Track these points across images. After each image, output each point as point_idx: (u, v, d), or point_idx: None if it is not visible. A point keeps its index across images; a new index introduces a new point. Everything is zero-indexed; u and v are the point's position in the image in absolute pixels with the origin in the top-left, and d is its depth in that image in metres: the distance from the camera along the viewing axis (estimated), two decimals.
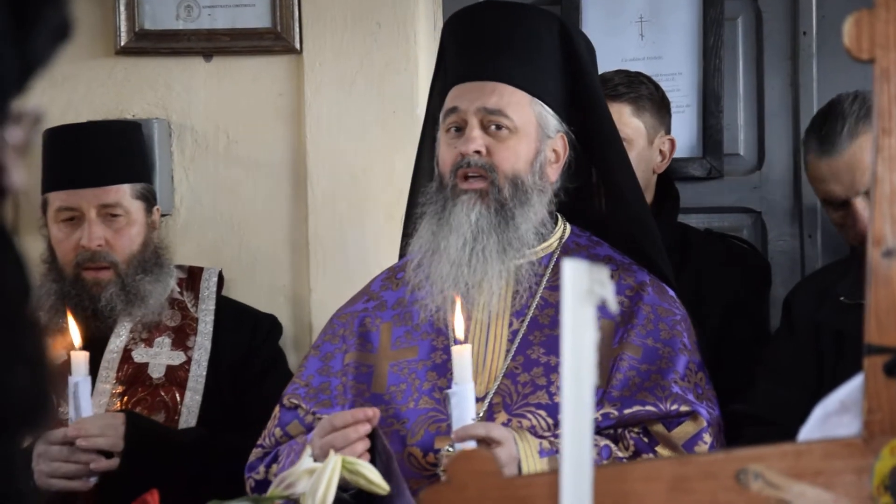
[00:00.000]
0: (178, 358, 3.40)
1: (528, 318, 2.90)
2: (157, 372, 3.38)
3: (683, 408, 2.81)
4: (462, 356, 2.63)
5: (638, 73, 3.55)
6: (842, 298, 3.06)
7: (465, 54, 2.95)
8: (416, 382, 2.87)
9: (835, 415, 1.64)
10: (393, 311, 2.97)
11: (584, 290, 1.43)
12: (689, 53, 3.91)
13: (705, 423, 2.83)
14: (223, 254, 3.90)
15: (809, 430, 1.66)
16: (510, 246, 2.87)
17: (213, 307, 3.48)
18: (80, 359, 3.12)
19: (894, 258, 1.57)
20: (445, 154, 2.90)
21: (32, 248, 3.48)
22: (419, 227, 2.94)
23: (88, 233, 3.34)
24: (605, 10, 3.96)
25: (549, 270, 2.94)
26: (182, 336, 3.43)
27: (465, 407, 2.61)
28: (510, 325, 2.90)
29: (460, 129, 2.88)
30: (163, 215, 3.89)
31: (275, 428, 2.95)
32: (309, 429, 2.90)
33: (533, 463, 2.66)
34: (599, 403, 2.79)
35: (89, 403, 3.11)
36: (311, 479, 2.35)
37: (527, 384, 2.83)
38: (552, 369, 2.82)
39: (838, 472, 1.56)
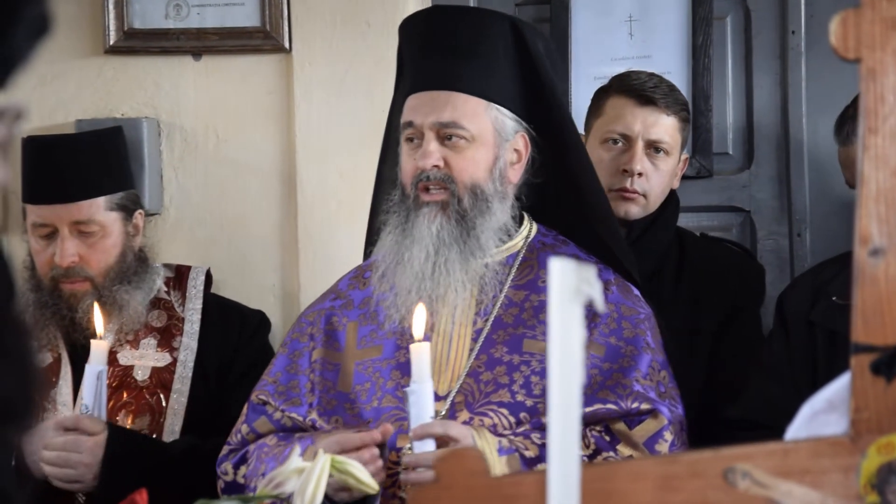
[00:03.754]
0: (163, 359, 3.38)
1: (492, 318, 2.90)
2: (141, 374, 3.36)
3: (644, 406, 2.83)
4: (420, 354, 2.64)
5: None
6: (834, 298, 3.06)
7: (418, 62, 2.95)
8: (379, 381, 2.88)
9: (822, 413, 1.64)
10: (359, 311, 2.98)
11: (572, 288, 1.43)
12: (679, 53, 3.92)
13: (666, 421, 2.85)
14: (213, 253, 3.90)
15: (796, 429, 1.66)
16: (472, 255, 2.87)
17: (199, 306, 3.46)
18: (102, 348, 3.11)
19: (881, 257, 1.57)
20: (406, 165, 2.91)
21: (20, 248, 3.47)
22: (383, 236, 2.94)
23: (61, 251, 3.31)
24: (595, 9, 3.96)
25: (513, 270, 2.95)
26: (168, 337, 3.41)
27: (423, 405, 2.63)
28: (474, 323, 2.90)
29: (418, 140, 2.89)
30: (152, 214, 3.88)
31: (242, 425, 2.97)
32: (279, 427, 2.92)
33: (492, 459, 2.67)
34: None
35: (105, 393, 3.12)
36: (301, 479, 2.35)
37: (489, 382, 2.84)
38: (515, 368, 2.84)
39: (825, 471, 1.57)
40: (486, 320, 2.90)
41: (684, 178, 3.84)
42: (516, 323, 2.88)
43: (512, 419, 2.79)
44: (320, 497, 2.33)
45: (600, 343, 2.86)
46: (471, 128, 2.86)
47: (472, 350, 2.88)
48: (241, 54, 3.92)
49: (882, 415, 1.57)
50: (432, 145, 2.86)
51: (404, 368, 2.84)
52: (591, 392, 2.79)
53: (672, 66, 3.90)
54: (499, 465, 2.68)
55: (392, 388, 2.85)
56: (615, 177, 3.43)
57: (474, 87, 2.89)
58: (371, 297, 2.97)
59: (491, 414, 2.80)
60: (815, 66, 3.85)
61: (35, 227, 3.35)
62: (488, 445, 2.70)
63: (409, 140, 2.90)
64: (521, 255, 2.96)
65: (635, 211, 3.44)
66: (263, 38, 3.89)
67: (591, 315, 2.88)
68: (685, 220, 3.82)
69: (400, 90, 3.05)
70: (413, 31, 2.99)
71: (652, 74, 3.51)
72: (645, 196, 3.43)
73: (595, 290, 1.44)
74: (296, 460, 2.38)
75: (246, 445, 2.94)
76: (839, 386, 1.62)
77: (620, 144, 3.44)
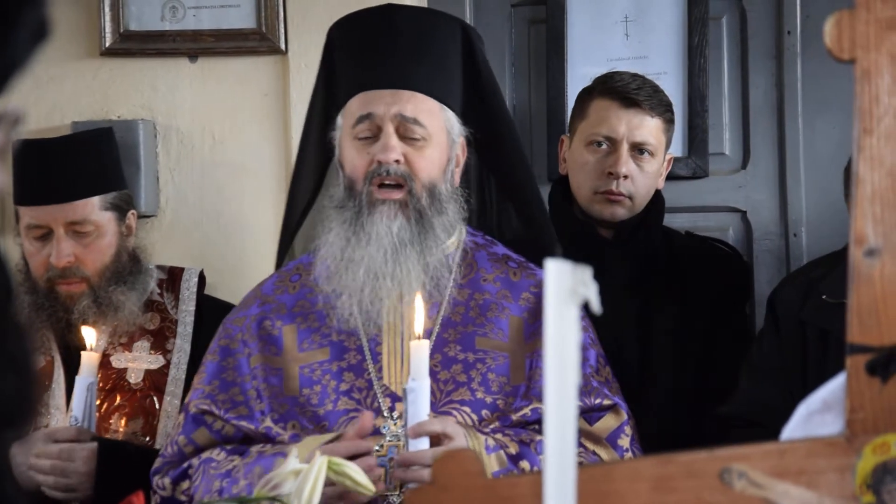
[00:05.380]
0: (156, 362, 3.38)
1: (440, 317, 2.88)
2: (135, 377, 3.36)
3: (606, 402, 2.86)
4: (419, 352, 2.62)
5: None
6: (824, 297, 3.07)
7: (373, 61, 2.88)
8: (331, 384, 2.82)
9: (818, 413, 1.64)
10: (294, 314, 2.90)
11: (568, 289, 1.43)
12: (674, 53, 3.92)
13: (626, 416, 2.87)
14: (209, 254, 3.90)
15: (792, 429, 1.66)
16: (430, 254, 2.84)
17: (192, 308, 3.45)
18: (93, 360, 3.11)
19: (876, 257, 1.57)
20: (356, 160, 2.84)
21: (13, 252, 3.46)
22: (325, 235, 2.88)
23: (56, 251, 3.30)
24: (591, 9, 3.96)
25: (453, 269, 2.92)
26: (161, 339, 3.40)
27: (421, 403, 2.60)
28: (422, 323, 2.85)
29: (373, 135, 2.83)
30: (148, 216, 3.88)
31: (178, 436, 2.86)
32: (221, 438, 2.83)
33: (483, 460, 2.67)
34: (527, 399, 2.80)
35: (94, 406, 3.12)
36: (297, 480, 2.35)
37: (448, 381, 2.82)
38: (471, 366, 2.82)
39: (821, 471, 1.57)
40: (435, 320, 2.87)
41: (680, 178, 3.85)
42: (465, 321, 2.86)
43: (475, 417, 2.78)
44: (317, 499, 2.33)
45: None
46: (429, 126, 2.83)
47: None
48: (237, 56, 3.92)
49: (877, 415, 1.57)
50: (394, 140, 2.80)
51: (357, 370, 2.82)
52: None
53: (668, 67, 3.90)
54: (489, 464, 2.68)
55: (347, 391, 2.81)
56: (600, 179, 3.43)
57: (430, 88, 2.86)
58: (304, 300, 2.90)
59: (455, 413, 2.78)
60: (810, 67, 3.85)
61: (29, 229, 3.34)
62: (478, 444, 2.69)
63: (361, 136, 2.83)
64: (458, 254, 2.94)
65: (621, 213, 3.45)
66: (259, 40, 3.89)
67: (535, 313, 2.89)
68: (681, 221, 3.82)
69: (322, 93, 3.00)
70: (363, 28, 2.93)
71: (635, 75, 3.51)
72: (630, 198, 3.44)
73: (591, 291, 1.44)
74: (292, 462, 2.38)
75: (184, 458, 2.85)
76: (835, 386, 1.63)
77: (605, 147, 3.44)
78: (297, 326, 2.88)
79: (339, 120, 2.90)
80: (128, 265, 3.40)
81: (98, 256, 3.35)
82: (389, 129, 2.81)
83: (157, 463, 2.87)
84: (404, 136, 2.82)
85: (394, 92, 2.84)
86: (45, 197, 3.33)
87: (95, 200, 3.36)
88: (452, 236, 2.92)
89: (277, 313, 2.90)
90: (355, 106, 2.86)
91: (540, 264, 2.98)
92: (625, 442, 2.85)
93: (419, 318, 2.69)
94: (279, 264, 3.10)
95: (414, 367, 2.62)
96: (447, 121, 2.88)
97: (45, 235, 3.33)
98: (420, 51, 2.88)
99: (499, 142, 2.99)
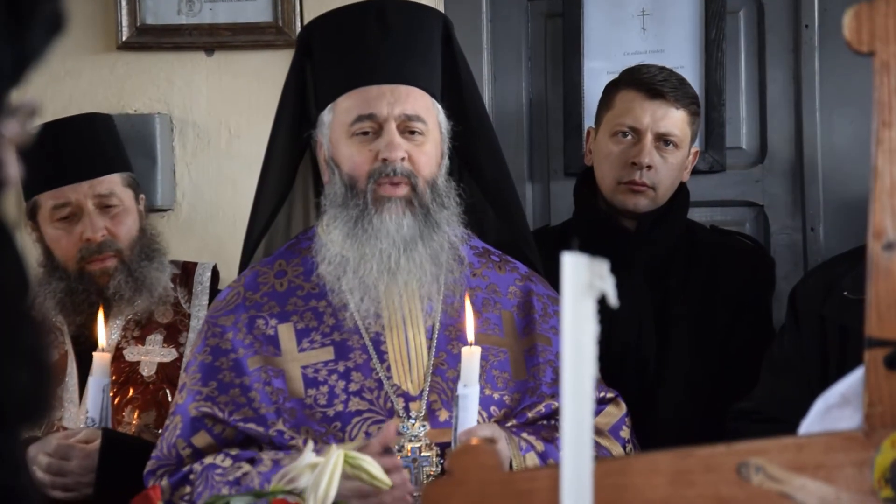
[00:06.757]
0: (169, 355, 3.38)
1: (438, 314, 2.85)
2: (148, 370, 3.36)
3: (609, 394, 2.86)
4: (471, 358, 2.60)
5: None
6: (846, 293, 3.06)
7: (366, 56, 2.84)
8: (339, 384, 2.77)
9: (836, 408, 1.64)
10: (288, 312, 2.84)
11: (584, 283, 1.42)
12: (692, 47, 3.91)
13: (625, 408, 2.87)
14: (225, 249, 3.90)
15: (810, 424, 1.66)
16: (441, 249, 2.82)
17: (205, 303, 3.46)
18: (105, 360, 3.12)
19: (895, 251, 1.57)
20: (356, 157, 2.80)
21: (29, 248, 3.47)
22: (329, 233, 2.83)
23: (91, 224, 3.33)
24: (608, 3, 3.95)
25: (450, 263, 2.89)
26: (174, 332, 3.41)
27: (471, 409, 2.59)
28: (423, 321, 2.84)
29: (373, 132, 2.80)
30: (164, 210, 3.89)
31: (175, 438, 2.76)
32: (221, 441, 2.75)
33: (520, 460, 2.67)
34: (537, 396, 2.79)
35: (109, 407, 3.12)
36: (314, 474, 2.35)
37: (456, 379, 2.77)
38: None
39: (839, 466, 1.56)
40: (433, 317, 2.84)
41: (697, 172, 3.84)
42: (460, 318, 2.83)
43: (484, 414, 2.76)
44: (333, 493, 2.33)
45: (546, 334, 2.85)
46: (428, 122, 2.82)
47: (429, 348, 2.82)
48: (254, 50, 3.92)
49: None
50: (398, 137, 2.78)
51: (364, 370, 2.77)
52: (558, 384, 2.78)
53: (685, 61, 3.89)
54: (524, 465, 2.68)
55: (357, 391, 2.76)
56: (624, 169, 3.43)
57: (425, 84, 2.85)
58: (296, 297, 2.85)
59: None
60: (828, 61, 3.84)
61: (55, 211, 3.36)
62: (514, 445, 2.69)
63: (360, 133, 2.80)
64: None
65: (644, 203, 3.44)
66: (275, 34, 3.89)
67: (525, 307, 2.89)
68: (698, 215, 3.81)
69: (296, 88, 2.96)
70: (353, 24, 2.89)
71: (662, 68, 3.51)
72: (654, 188, 3.44)
73: (608, 285, 1.44)
74: (309, 455, 2.38)
75: (181, 461, 2.75)
76: (853, 380, 1.62)
77: (630, 137, 3.44)
78: (294, 325, 2.82)
79: (327, 117, 2.87)
80: (150, 244, 3.43)
81: (127, 231, 3.40)
82: (392, 126, 2.78)
83: (151, 465, 2.79)
84: (404, 133, 2.80)
85: (392, 88, 2.81)
86: (71, 175, 3.36)
87: (117, 177, 3.42)
88: (456, 230, 2.90)
89: (270, 312, 2.84)
90: (351, 103, 2.83)
91: (516, 257, 2.99)
92: (626, 433, 2.86)
93: (470, 323, 2.67)
94: (244, 265, 3.02)
95: (465, 373, 2.60)
96: (438, 114, 2.87)
97: (72, 216, 3.35)
98: (411, 45, 2.86)
99: (474, 135, 2.97)
